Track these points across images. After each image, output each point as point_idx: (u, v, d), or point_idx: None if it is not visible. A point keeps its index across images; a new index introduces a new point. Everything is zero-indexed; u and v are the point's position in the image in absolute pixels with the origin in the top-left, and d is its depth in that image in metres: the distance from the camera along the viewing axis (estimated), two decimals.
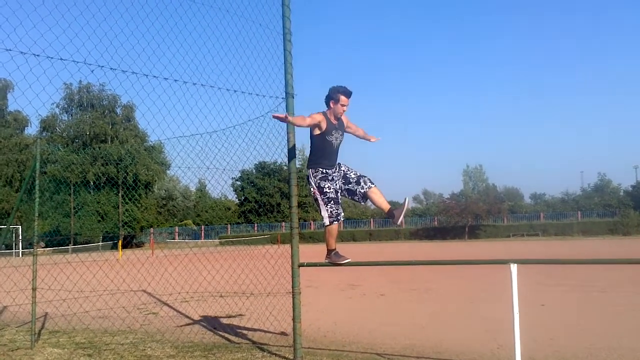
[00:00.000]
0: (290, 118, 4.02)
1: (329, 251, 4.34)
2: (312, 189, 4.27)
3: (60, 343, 5.31)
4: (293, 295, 4.36)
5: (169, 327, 6.07)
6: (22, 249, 33.19)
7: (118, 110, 45.97)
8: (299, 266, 4.41)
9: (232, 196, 55.84)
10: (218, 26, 4.68)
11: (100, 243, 39.35)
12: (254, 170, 51.64)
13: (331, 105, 4.21)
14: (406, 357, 4.50)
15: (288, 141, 4.54)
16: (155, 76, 4.32)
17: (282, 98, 4.60)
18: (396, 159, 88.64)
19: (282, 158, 4.80)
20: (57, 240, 35.83)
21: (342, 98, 4.16)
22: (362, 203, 4.31)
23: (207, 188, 51.11)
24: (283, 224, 48.23)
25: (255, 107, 4.84)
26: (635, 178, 51.02)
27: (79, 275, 9.47)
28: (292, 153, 4.53)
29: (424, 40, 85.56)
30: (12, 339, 5.61)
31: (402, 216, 4.10)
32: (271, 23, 4.62)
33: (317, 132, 4.18)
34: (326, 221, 4.18)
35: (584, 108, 80.00)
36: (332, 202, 4.17)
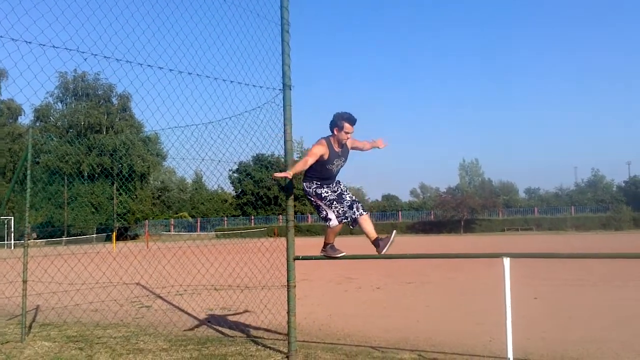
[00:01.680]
0: (292, 171, 3.92)
1: (326, 244, 4.33)
2: (312, 199, 4.25)
3: (51, 336, 5.25)
4: (288, 288, 4.32)
5: (162, 321, 6.02)
6: (14, 240, 32.92)
7: (114, 100, 45.46)
8: (295, 259, 4.37)
9: (228, 188, 55.65)
10: (215, 15, 4.58)
11: (94, 235, 39.14)
12: (251, 162, 51.39)
13: (335, 132, 4.15)
14: (400, 349, 4.49)
15: (285, 133, 4.47)
16: (150, 65, 4.21)
17: (280, 89, 4.53)
18: (394, 154, 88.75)
19: (279, 150, 4.73)
20: (50, 231, 35.56)
21: (347, 125, 4.10)
22: (351, 227, 4.31)
23: (203, 180, 50.86)
24: (280, 216, 48.16)
25: (252, 98, 4.77)
26: (628, 174, 51.37)
27: (70, 267, 9.38)
28: (289, 145, 4.47)
29: (422, 36, 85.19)
30: (2, 332, 5.54)
31: (387, 247, 4.16)
32: (269, 13, 4.54)
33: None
34: (335, 222, 4.15)
35: (579, 104, 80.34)
36: (335, 202, 4.16)
